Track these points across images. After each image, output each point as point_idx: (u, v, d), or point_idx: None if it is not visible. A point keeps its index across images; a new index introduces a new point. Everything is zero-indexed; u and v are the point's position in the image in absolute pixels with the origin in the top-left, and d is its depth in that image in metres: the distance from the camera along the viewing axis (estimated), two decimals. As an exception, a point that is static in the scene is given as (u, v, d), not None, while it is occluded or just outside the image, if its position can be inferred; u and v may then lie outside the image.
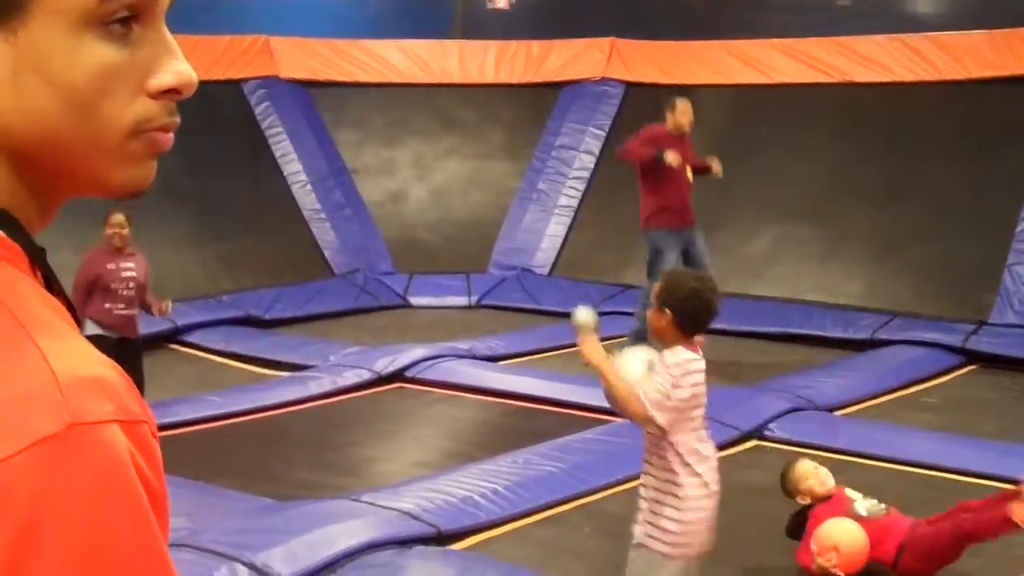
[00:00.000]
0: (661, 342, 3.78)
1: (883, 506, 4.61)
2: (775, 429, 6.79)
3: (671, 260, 8.30)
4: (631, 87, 12.23)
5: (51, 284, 0.87)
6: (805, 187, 10.70)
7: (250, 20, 12.47)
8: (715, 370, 8.36)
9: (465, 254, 11.70)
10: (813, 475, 4.73)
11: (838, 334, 9.36)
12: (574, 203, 11.93)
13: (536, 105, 12.47)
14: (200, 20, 11.21)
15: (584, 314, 4.06)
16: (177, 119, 0.88)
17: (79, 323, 0.88)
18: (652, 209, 8.50)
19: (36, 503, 0.71)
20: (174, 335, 9.48)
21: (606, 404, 7.25)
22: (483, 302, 11.23)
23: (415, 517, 5.03)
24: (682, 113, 8.55)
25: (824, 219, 10.49)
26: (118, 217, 6.95)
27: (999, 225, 9.71)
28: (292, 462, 6.43)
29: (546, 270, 11.67)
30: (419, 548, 4.76)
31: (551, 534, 5.29)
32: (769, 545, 5.15)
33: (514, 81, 12.75)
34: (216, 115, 11.36)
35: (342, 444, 6.81)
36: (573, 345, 9.25)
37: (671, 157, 8.16)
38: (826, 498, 4.68)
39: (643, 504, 3.71)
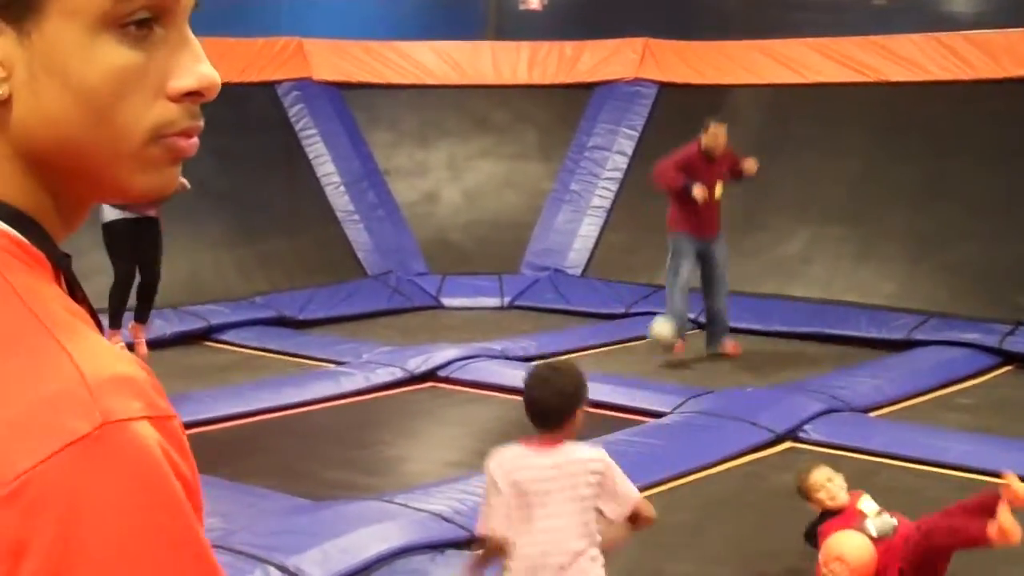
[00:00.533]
0: None
1: (894, 522, 4.48)
2: (809, 431, 6.74)
3: (686, 266, 8.72)
4: (664, 87, 12.19)
5: (74, 290, 0.87)
6: (840, 187, 10.63)
7: (283, 22, 12.52)
8: (749, 370, 8.40)
9: (498, 255, 11.70)
10: (824, 488, 4.65)
11: (873, 334, 9.29)
12: (607, 204, 11.90)
13: (569, 106, 12.45)
14: (233, 23, 11.27)
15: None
16: (200, 123, 0.86)
17: (101, 330, 0.88)
18: (675, 215, 8.80)
19: (75, 503, 0.72)
20: (207, 334, 9.56)
21: (640, 405, 7.28)
22: (516, 303, 11.22)
23: (448, 520, 5.02)
24: (713, 137, 8.74)
25: (859, 219, 10.42)
26: None
27: (1036, 225, 9.62)
28: (324, 460, 6.44)
29: (579, 271, 11.65)
30: (452, 552, 4.75)
31: (583, 536, 5.26)
32: (802, 548, 5.11)
33: (547, 82, 12.74)
34: (250, 117, 11.42)
35: (374, 442, 6.82)
36: (605, 345, 9.32)
37: (697, 192, 8.50)
38: (837, 511, 4.62)
39: None
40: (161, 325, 9.29)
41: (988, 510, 4.24)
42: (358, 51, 12.73)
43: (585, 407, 3.52)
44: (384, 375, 7.89)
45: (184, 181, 7.70)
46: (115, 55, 0.81)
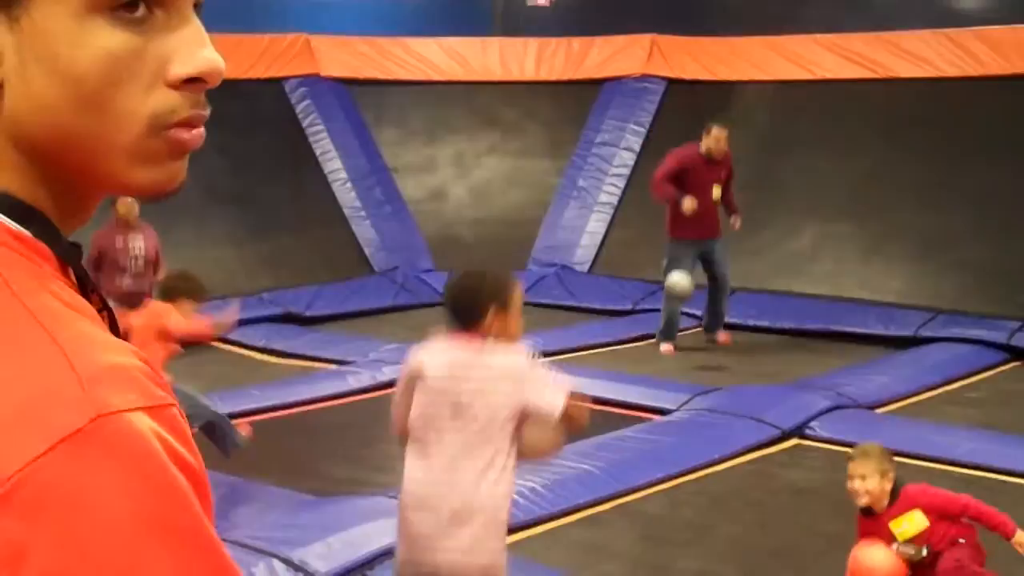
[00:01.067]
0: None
1: (923, 553, 4.34)
2: (816, 428, 6.72)
3: (684, 266, 8.79)
4: (672, 83, 12.17)
5: (84, 283, 0.84)
6: (848, 184, 10.60)
7: (290, 19, 12.51)
8: (755, 368, 8.38)
9: (505, 251, 11.68)
10: (851, 481, 4.48)
11: (880, 331, 9.27)
12: (614, 200, 11.89)
13: (576, 102, 12.44)
14: (241, 19, 11.28)
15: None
16: (206, 112, 0.81)
17: (114, 317, 0.86)
18: (673, 219, 8.88)
19: (73, 503, 0.69)
20: (214, 333, 9.55)
21: (646, 402, 7.26)
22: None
23: (452, 515, 5.01)
24: (715, 140, 8.82)
25: (867, 216, 10.39)
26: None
27: (1045, 222, 9.60)
28: (330, 457, 6.45)
29: (586, 267, 11.64)
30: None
31: (588, 534, 5.27)
32: (809, 545, 5.11)
33: (554, 78, 12.72)
34: (257, 114, 11.43)
35: (379, 440, 6.80)
36: (612, 342, 9.31)
37: (687, 204, 8.62)
38: (868, 512, 4.51)
39: None
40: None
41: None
42: (365, 47, 12.73)
43: (507, 307, 3.33)
44: (390, 373, 7.85)
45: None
46: (106, 39, 0.77)
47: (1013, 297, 9.30)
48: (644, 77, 12.35)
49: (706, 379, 7.94)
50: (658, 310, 9.57)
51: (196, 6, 0.83)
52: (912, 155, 10.43)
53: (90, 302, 0.83)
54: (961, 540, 4.25)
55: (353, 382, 7.72)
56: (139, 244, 7.31)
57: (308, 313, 10.19)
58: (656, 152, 11.47)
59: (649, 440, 6.38)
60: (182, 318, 5.56)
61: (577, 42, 12.75)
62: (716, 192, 8.86)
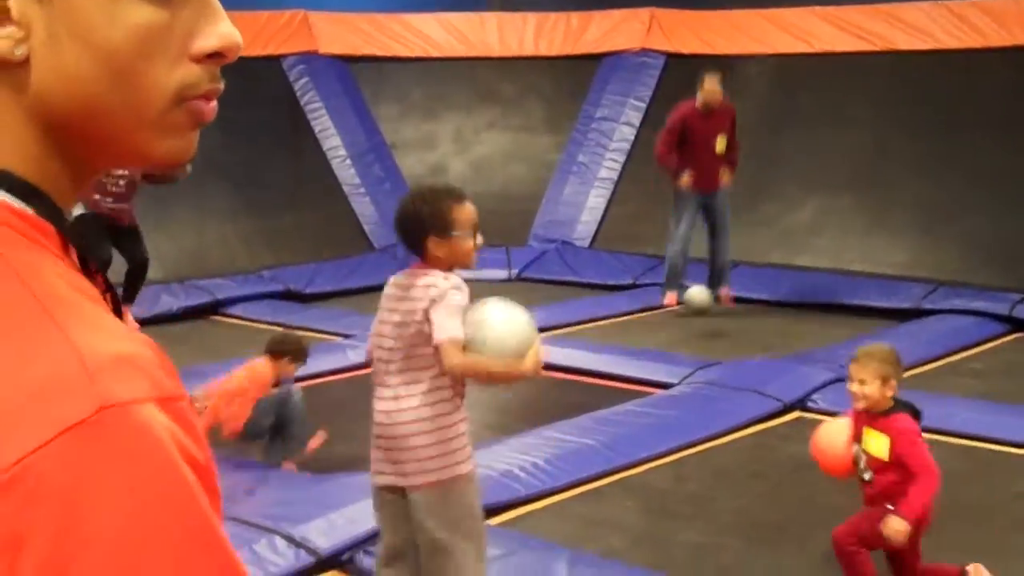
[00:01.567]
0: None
1: (867, 475, 4.25)
2: (818, 400, 6.71)
3: (685, 221, 8.98)
4: (672, 58, 12.11)
5: (87, 262, 0.82)
6: (849, 157, 10.57)
7: (288, -5, 12.46)
8: (757, 341, 8.37)
9: (505, 227, 11.66)
10: (856, 382, 4.21)
11: (883, 304, 9.26)
12: (614, 175, 11.86)
13: (576, 77, 12.39)
14: (238, -5, 11.21)
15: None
16: (221, 86, 0.84)
17: (118, 300, 0.84)
18: (677, 173, 8.96)
19: (74, 494, 0.67)
20: (215, 308, 9.56)
21: (648, 376, 7.26)
22: (523, 275, 11.21)
23: (454, 490, 5.00)
24: (708, 91, 8.85)
25: (868, 189, 10.37)
26: None
27: (1047, 193, 9.57)
28: (331, 433, 6.43)
29: (586, 243, 11.62)
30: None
31: (591, 508, 5.26)
32: (811, 517, 5.10)
33: (553, 53, 12.67)
34: (255, 91, 11.38)
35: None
36: (613, 316, 9.30)
37: (684, 181, 8.81)
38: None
39: None
40: (168, 300, 9.29)
41: None
42: (364, 24, 12.67)
43: (446, 233, 3.27)
44: (391, 348, 7.86)
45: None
46: (139, 13, 0.78)
47: (1015, 269, 9.28)
48: (643, 52, 12.30)
49: (708, 352, 7.92)
50: (658, 284, 9.58)
51: None
52: (914, 127, 10.39)
53: (93, 283, 0.81)
54: (890, 507, 4.19)
55: (353, 356, 7.70)
56: (120, 170, 7.43)
57: (308, 290, 10.18)
58: (656, 127, 11.44)
59: (651, 414, 6.37)
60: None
61: (576, 17, 12.69)
62: (720, 144, 8.87)
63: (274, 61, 12.00)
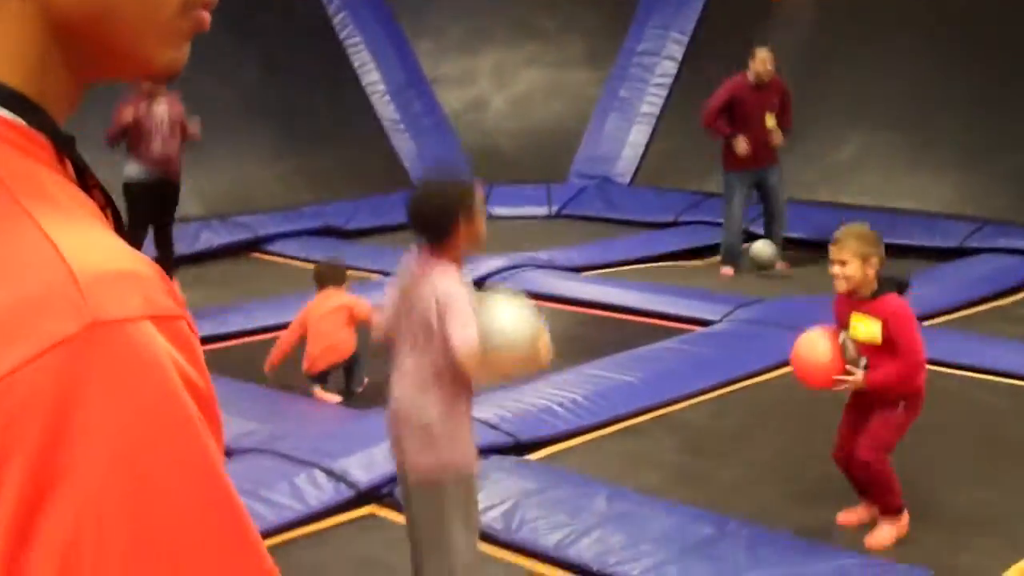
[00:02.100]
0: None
1: (861, 363, 4.19)
2: (860, 339, 6.65)
3: (737, 201, 8.76)
4: (714, -9, 11.93)
5: (83, 175, 0.80)
6: (894, 91, 10.39)
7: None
8: (799, 280, 8.30)
9: (545, 163, 11.61)
10: (837, 264, 4.20)
11: (927, 243, 9.14)
12: (656, 110, 11.74)
13: (617, 10, 12.24)
14: (277, -71, 11.12)
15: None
16: None
17: (118, 215, 0.82)
18: (726, 152, 8.78)
19: (62, 411, 0.63)
20: (255, 245, 9.59)
21: (688, 313, 7.22)
22: (563, 212, 11.16)
23: (493, 427, 5.03)
24: (760, 63, 8.64)
25: (913, 125, 10.20)
26: None
27: (1097, 129, 9.38)
28: (372, 369, 6.45)
29: (627, 179, 11.54)
30: (495, 458, 4.76)
31: (629, 445, 5.26)
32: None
33: (594, -14, 12.51)
34: (294, 26, 11.33)
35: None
36: (655, 256, 9.24)
37: (741, 147, 8.53)
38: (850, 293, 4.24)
39: None
40: (208, 236, 9.33)
41: None
42: (403, -43, 12.55)
43: (469, 221, 3.17)
44: (432, 284, 7.86)
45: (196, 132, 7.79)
46: None
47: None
48: (686, -16, 12.11)
49: (749, 290, 7.87)
50: (700, 222, 9.51)
51: None
52: (960, 63, 10.19)
53: (91, 198, 0.78)
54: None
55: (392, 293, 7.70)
56: (163, 109, 7.58)
57: (348, 227, 10.19)
58: (699, 61, 11.31)
59: (691, 351, 6.35)
60: (368, 305, 5.74)
61: (618, -51, 12.50)
62: (770, 120, 8.67)
63: (313, -4, 11.93)
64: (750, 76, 8.65)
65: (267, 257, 9.47)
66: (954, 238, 9.09)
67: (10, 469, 0.63)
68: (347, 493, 4.45)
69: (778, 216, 8.91)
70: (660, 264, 9.17)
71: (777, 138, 8.74)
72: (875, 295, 4.15)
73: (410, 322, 3.20)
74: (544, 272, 8.31)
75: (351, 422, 5.21)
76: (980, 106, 9.91)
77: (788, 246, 9.04)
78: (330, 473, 4.50)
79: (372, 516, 4.45)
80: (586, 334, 7.20)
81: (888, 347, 4.10)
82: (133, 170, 7.61)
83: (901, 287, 4.22)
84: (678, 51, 11.83)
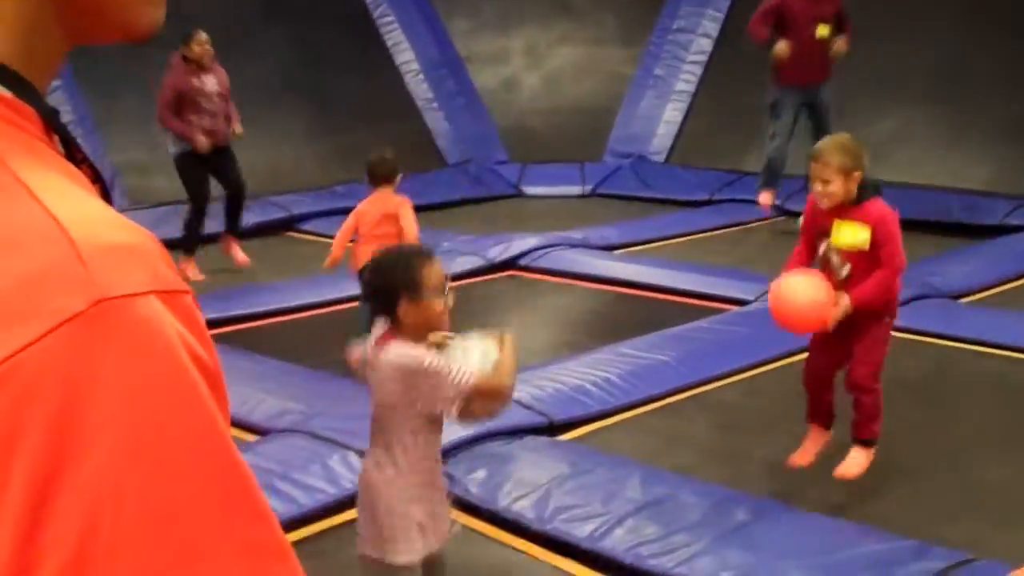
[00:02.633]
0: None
1: (845, 269, 4.11)
2: (898, 318, 6.58)
3: (785, 119, 8.47)
4: (750, -33, 11.82)
5: (70, 148, 0.79)
6: (933, 66, 10.27)
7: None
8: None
9: (579, 142, 11.56)
10: (819, 183, 4.06)
11: (964, 220, 9.04)
12: (691, 88, 11.66)
13: (651, -12, 12.16)
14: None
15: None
16: None
17: (107, 191, 0.80)
18: (778, 64, 8.45)
19: (70, 392, 0.63)
20: (289, 224, 9.62)
21: (723, 293, 7.18)
22: (597, 191, 11.12)
23: (526, 406, 5.01)
24: None
25: (951, 101, 10.08)
26: (203, 35, 7.68)
27: None
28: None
29: (662, 157, 11.48)
30: (529, 438, 4.75)
31: (664, 424, 5.24)
32: (887, 432, 5.03)
33: (629, -37, 12.43)
34: (327, 6, 11.32)
35: (453, 331, 6.82)
36: (689, 233, 9.20)
37: (780, 49, 8.14)
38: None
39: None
40: (243, 216, 9.34)
41: None
42: (436, -64, 12.51)
43: (413, 303, 2.98)
44: (464, 264, 7.86)
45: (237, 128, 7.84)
46: None
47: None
48: (722, -40, 12.00)
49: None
50: (735, 200, 9.43)
51: None
52: (999, 37, 10.05)
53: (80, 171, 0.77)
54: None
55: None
56: (212, 82, 7.73)
57: (382, 206, 10.18)
58: (734, 38, 11.20)
59: (726, 331, 6.31)
60: (413, 217, 5.84)
61: (652, -75, 12.41)
62: (822, 30, 8.26)
63: (346, -25, 11.91)
64: None
65: (302, 236, 9.49)
66: (992, 215, 8.99)
67: (22, 449, 0.63)
68: (380, 473, 4.44)
69: (824, 133, 8.50)
70: (694, 236, 9.12)
71: (837, 46, 8.28)
72: (859, 201, 4.08)
73: (376, 404, 3.06)
74: (578, 251, 8.29)
75: (385, 402, 5.20)
76: (1020, 82, 9.77)
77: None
78: (363, 454, 4.49)
79: (406, 496, 4.44)
80: (620, 313, 7.17)
81: (872, 253, 4.05)
82: (182, 143, 7.69)
83: (877, 189, 4.16)
84: (713, 28, 11.74)
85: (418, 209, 10.07)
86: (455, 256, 7.97)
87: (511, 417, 4.88)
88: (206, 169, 7.85)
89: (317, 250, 8.96)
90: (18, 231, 0.66)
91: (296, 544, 3.87)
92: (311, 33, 10.83)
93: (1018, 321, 6.48)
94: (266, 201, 9.71)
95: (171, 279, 0.69)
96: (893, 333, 6.48)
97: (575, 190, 11.16)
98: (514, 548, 4.06)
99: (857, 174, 4.04)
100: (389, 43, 11.91)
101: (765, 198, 8.72)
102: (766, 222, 9.30)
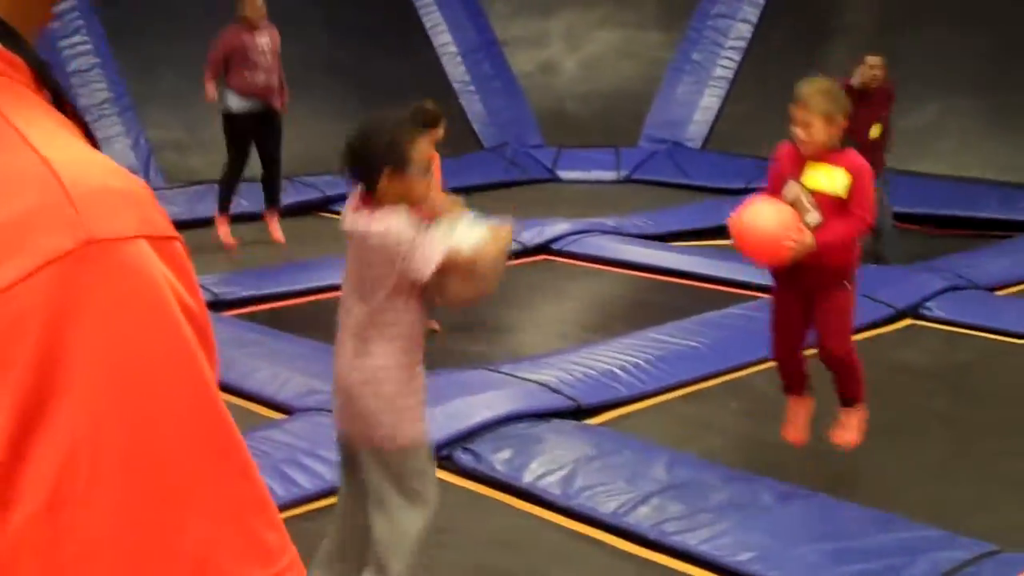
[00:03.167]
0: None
1: (814, 218, 4.03)
2: (932, 308, 6.54)
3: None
4: (791, -48, 11.72)
5: (61, 99, 0.78)
6: (973, 56, 10.15)
7: None
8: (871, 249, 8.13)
9: (615, 127, 11.51)
10: (800, 127, 4.03)
11: (1002, 215, 8.93)
12: (729, 74, 11.58)
13: (691, -27, 12.08)
14: None
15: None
16: None
17: (96, 143, 0.80)
18: None
19: (55, 331, 0.63)
20: (324, 205, 9.64)
21: (754, 280, 7.13)
22: (633, 176, 11.07)
23: (555, 390, 5.01)
24: (869, 69, 7.89)
25: (991, 91, 9.96)
26: None
27: None
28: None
29: (698, 144, 11.41)
30: (556, 422, 4.74)
31: (693, 410, 5.22)
32: (918, 422, 5.00)
33: (669, -53, 12.35)
34: (366, -14, 11.32)
35: (485, 313, 6.81)
36: (724, 221, 9.13)
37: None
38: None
39: None
40: (281, 193, 9.38)
41: None
42: (476, -82, 12.48)
43: (397, 178, 2.88)
44: (498, 247, 7.84)
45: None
46: None
47: None
48: (763, -54, 11.90)
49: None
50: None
51: None
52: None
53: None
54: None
55: (459, 256, 7.71)
56: (265, 40, 7.88)
57: (417, 188, 10.19)
58: (774, 23, 11.13)
59: (756, 317, 6.26)
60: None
61: (693, -91, 12.32)
62: (874, 131, 8.16)
63: (385, -44, 11.90)
64: (855, 83, 7.80)
65: (335, 217, 9.50)
66: (1032, 208, 8.89)
67: (5, 385, 0.63)
68: (407, 453, 4.45)
69: (883, 233, 7.74)
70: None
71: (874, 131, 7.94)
72: (837, 147, 4.05)
73: (355, 269, 2.98)
74: (611, 238, 8.26)
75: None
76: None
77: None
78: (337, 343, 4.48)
79: (431, 476, 4.45)
80: (652, 299, 7.15)
81: (842, 203, 4.00)
82: (234, 101, 7.81)
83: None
84: (753, 14, 11.66)
85: (455, 191, 10.15)
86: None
87: (539, 400, 4.88)
88: (250, 136, 7.96)
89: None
90: (9, 174, 0.66)
91: (321, 512, 3.90)
92: (349, 14, 10.83)
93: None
94: (301, 182, 9.74)
95: (161, 225, 0.69)
96: (928, 324, 6.45)
97: (610, 175, 11.12)
98: (537, 517, 4.06)
99: (839, 119, 4.02)
100: (427, 25, 11.90)
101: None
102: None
